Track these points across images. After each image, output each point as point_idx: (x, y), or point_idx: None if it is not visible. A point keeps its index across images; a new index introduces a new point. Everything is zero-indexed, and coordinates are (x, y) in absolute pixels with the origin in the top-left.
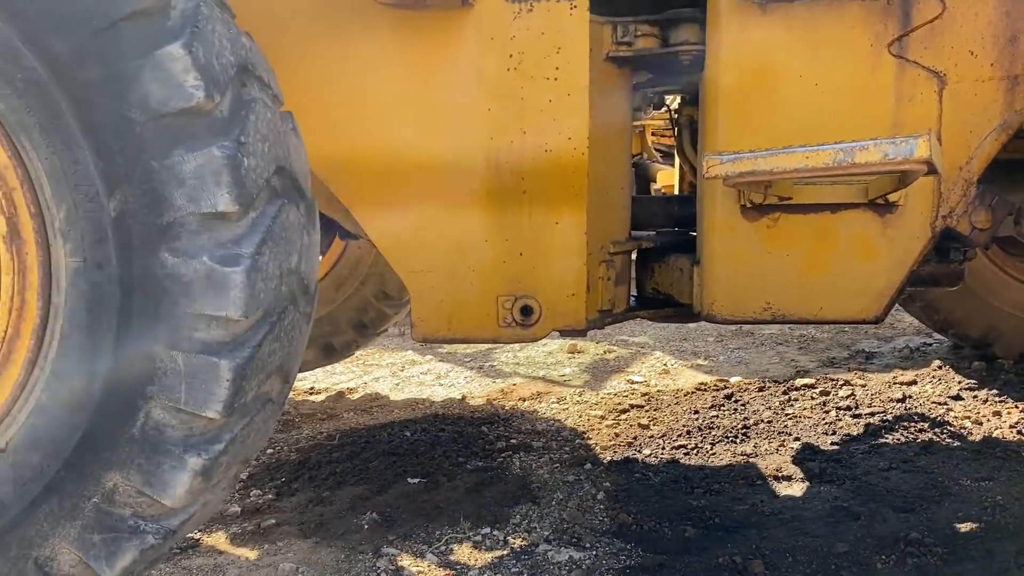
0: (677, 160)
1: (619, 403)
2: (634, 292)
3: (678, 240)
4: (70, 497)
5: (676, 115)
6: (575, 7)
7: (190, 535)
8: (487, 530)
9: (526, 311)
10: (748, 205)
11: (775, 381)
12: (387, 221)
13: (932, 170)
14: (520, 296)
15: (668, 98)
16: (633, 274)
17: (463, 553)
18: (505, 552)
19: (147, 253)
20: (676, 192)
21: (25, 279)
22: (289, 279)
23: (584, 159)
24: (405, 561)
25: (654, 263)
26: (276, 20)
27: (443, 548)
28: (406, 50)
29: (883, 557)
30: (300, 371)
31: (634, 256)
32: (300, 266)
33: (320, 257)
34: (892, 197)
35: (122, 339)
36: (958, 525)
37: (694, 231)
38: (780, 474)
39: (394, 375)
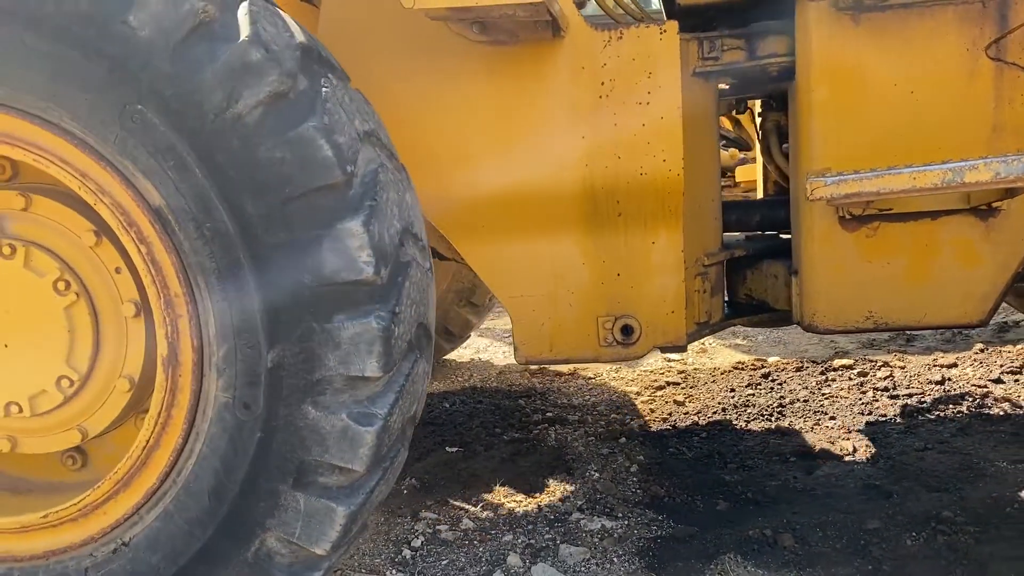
0: (760, 160)
1: (655, 380)
2: (726, 297)
3: (769, 245)
4: None
5: (761, 119)
6: (664, 31)
7: None
8: (522, 497)
9: (626, 330)
10: (847, 216)
11: (813, 361)
12: (486, 248)
13: None
14: (620, 316)
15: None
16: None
17: (498, 518)
18: (539, 519)
19: (293, 403)
20: (760, 191)
21: (174, 398)
22: (407, 426)
23: (679, 180)
24: (442, 525)
25: (746, 269)
26: (375, 59)
27: (479, 513)
28: (500, 84)
29: (913, 534)
30: None
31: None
32: (416, 411)
33: None
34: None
35: (254, 473)
36: (992, 505)
37: (784, 233)
38: (814, 452)
39: None
